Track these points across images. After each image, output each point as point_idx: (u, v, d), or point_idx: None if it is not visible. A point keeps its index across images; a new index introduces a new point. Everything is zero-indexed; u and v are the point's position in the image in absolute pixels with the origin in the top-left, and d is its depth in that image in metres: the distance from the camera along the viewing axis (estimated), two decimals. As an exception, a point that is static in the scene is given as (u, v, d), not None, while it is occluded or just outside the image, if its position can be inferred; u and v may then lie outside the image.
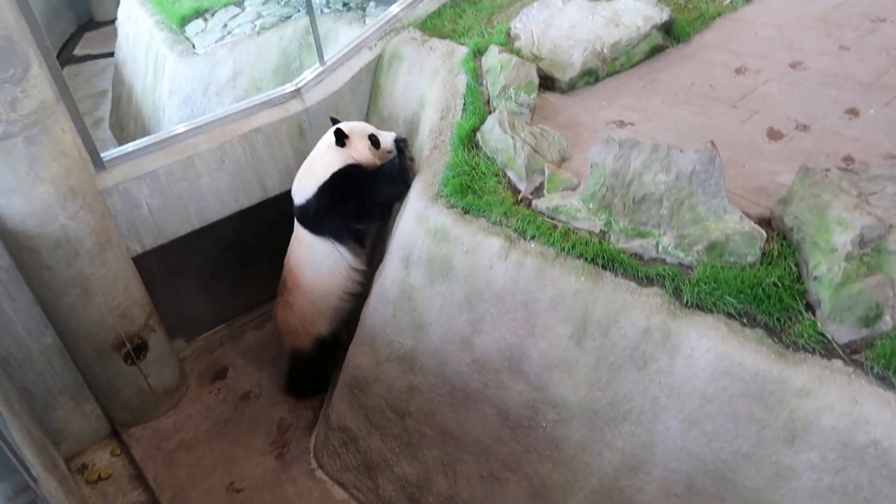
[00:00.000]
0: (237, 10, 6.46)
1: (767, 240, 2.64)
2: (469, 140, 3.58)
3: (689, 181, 2.71)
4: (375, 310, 3.69)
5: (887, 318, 2.30)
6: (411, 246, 3.46)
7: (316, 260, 4.05)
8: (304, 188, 3.96)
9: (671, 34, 4.20)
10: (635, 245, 2.82)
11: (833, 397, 2.29)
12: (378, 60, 4.66)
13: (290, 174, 4.38)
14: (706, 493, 2.61)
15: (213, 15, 6.57)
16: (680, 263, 2.73)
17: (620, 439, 2.84)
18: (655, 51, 4.13)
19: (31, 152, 3.37)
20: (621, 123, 3.60)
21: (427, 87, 4.20)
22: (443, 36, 4.45)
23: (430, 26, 4.64)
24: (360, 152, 3.88)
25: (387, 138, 3.94)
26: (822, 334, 2.39)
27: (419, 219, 3.44)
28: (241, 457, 4.23)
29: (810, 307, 2.46)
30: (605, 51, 3.97)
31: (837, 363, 2.33)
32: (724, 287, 2.56)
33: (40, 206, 3.50)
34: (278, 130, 4.50)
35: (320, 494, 3.94)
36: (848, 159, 3.06)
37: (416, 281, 3.45)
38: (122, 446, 4.44)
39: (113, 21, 8.75)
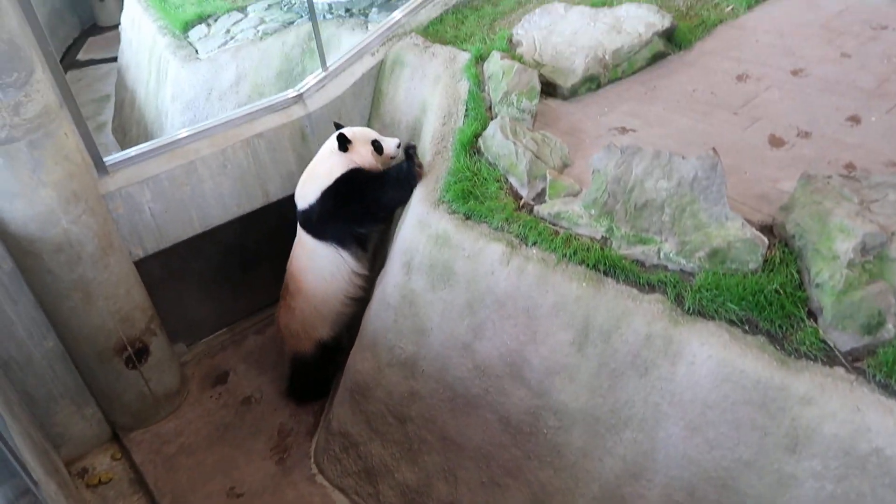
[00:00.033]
0: (240, 15, 6.49)
1: (769, 247, 2.64)
2: (471, 146, 3.58)
3: (691, 188, 2.71)
4: (377, 315, 3.69)
5: (889, 325, 2.30)
6: (413, 251, 3.46)
7: (318, 264, 4.06)
8: (307, 193, 3.97)
9: (673, 41, 4.21)
10: (637, 251, 2.83)
11: (835, 405, 2.28)
12: (380, 66, 4.67)
13: (293, 179, 4.38)
14: (707, 500, 2.60)
15: (216, 20, 6.59)
16: (682, 270, 2.73)
17: (622, 446, 2.83)
18: (657, 57, 4.14)
19: (35, 156, 3.38)
20: (623, 130, 3.60)
21: (429, 93, 4.21)
22: (445, 42, 4.46)
23: (433, 32, 4.65)
24: (362, 157, 3.89)
25: (390, 144, 3.95)
26: (824, 342, 2.38)
27: (421, 224, 3.44)
28: (242, 461, 4.23)
29: (812, 314, 2.46)
30: (606, 57, 3.98)
31: (839, 371, 2.33)
32: (725, 294, 2.56)
33: (43, 210, 3.51)
34: (280, 135, 4.50)
35: (321, 500, 3.93)
36: (850, 166, 3.07)
37: (417, 286, 3.45)
38: (123, 450, 4.44)
39: (116, 26, 8.78)
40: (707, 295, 2.59)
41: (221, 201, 4.42)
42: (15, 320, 3.84)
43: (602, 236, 2.94)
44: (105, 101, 8.85)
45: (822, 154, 3.18)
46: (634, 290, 2.77)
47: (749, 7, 4.46)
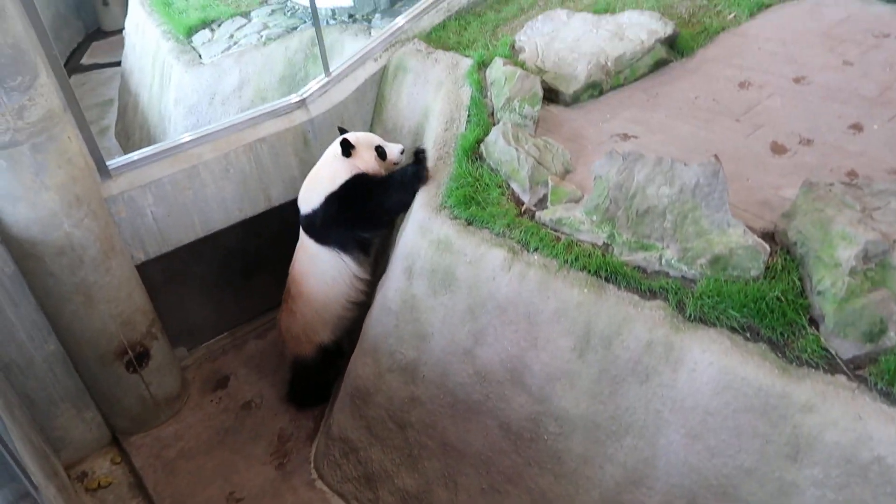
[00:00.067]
0: (244, 20, 6.52)
1: (771, 254, 2.64)
2: (473, 151, 3.59)
3: (693, 194, 2.71)
4: (378, 320, 3.69)
5: (891, 333, 2.30)
6: (414, 256, 3.46)
7: (320, 268, 4.06)
8: (310, 198, 3.97)
9: (675, 48, 4.22)
10: (638, 258, 2.82)
11: (836, 413, 2.27)
12: (383, 72, 4.69)
13: (295, 184, 4.39)
14: (709, 508, 2.59)
15: (219, 25, 6.62)
16: (683, 277, 2.73)
17: (622, 453, 2.83)
18: (659, 64, 4.15)
19: (38, 160, 3.38)
20: (625, 136, 3.60)
21: (432, 99, 4.22)
22: (448, 48, 4.47)
23: (435, 38, 4.67)
24: (366, 163, 3.88)
25: (393, 150, 3.96)
26: (826, 349, 2.38)
27: (422, 229, 3.44)
28: (242, 466, 4.22)
29: (814, 322, 2.46)
30: (609, 64, 3.99)
31: (841, 378, 2.32)
32: (727, 301, 2.55)
33: (45, 214, 3.51)
34: (283, 140, 4.51)
35: (320, 505, 3.93)
36: (852, 174, 3.06)
37: (418, 292, 3.45)
38: (123, 454, 4.43)
39: (120, 31, 8.82)
40: (708, 302, 2.59)
41: (223, 206, 4.43)
42: (16, 323, 3.84)
43: (604, 242, 2.94)
44: (108, 105, 8.89)
45: (824, 161, 3.18)
46: (636, 297, 2.77)
47: (751, 15, 4.47)
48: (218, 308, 5.05)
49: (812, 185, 2.69)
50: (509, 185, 3.38)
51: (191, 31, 6.66)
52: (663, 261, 2.76)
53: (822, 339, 2.39)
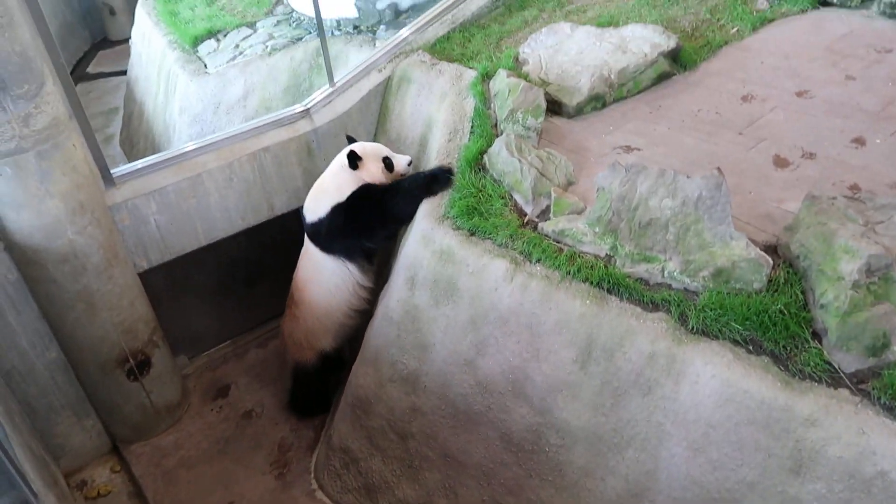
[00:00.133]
0: (249, 31, 6.55)
1: (773, 267, 2.63)
2: (476, 162, 3.60)
3: (696, 207, 2.72)
4: (379, 330, 3.69)
5: (895, 347, 2.29)
6: (417, 267, 3.46)
7: (324, 276, 4.06)
8: (316, 207, 3.97)
9: (678, 61, 4.23)
10: (641, 270, 2.82)
11: (840, 427, 2.27)
12: (387, 82, 4.71)
13: (298, 193, 4.40)
14: (711, 522, 2.58)
15: (225, 35, 6.66)
16: (685, 289, 2.73)
17: (624, 465, 2.81)
18: (662, 77, 4.16)
19: (43, 167, 3.40)
20: (628, 149, 3.61)
21: (435, 110, 4.24)
22: (452, 59, 4.50)
23: (440, 50, 4.69)
24: (372, 174, 3.87)
25: (401, 161, 3.95)
26: (829, 363, 2.37)
27: (425, 240, 3.45)
28: (242, 476, 4.21)
29: (817, 335, 2.45)
30: (612, 77, 4.00)
31: (844, 392, 2.32)
32: (729, 313, 2.55)
33: (49, 221, 3.52)
34: (287, 150, 4.53)
35: (320, 516, 3.91)
36: (854, 188, 3.07)
37: (420, 302, 3.45)
38: (123, 463, 4.42)
39: (126, 40, 8.87)
40: (711, 314, 2.59)
41: (227, 214, 4.44)
42: (18, 330, 3.85)
43: (606, 254, 2.94)
44: (114, 114, 8.93)
45: (827, 175, 3.19)
46: (638, 309, 2.77)
47: (754, 29, 4.48)
48: (220, 317, 5.05)
49: (815, 199, 2.69)
50: (512, 196, 3.38)
51: (196, 41, 6.70)
52: (666, 273, 2.76)
53: (825, 353, 2.39)
